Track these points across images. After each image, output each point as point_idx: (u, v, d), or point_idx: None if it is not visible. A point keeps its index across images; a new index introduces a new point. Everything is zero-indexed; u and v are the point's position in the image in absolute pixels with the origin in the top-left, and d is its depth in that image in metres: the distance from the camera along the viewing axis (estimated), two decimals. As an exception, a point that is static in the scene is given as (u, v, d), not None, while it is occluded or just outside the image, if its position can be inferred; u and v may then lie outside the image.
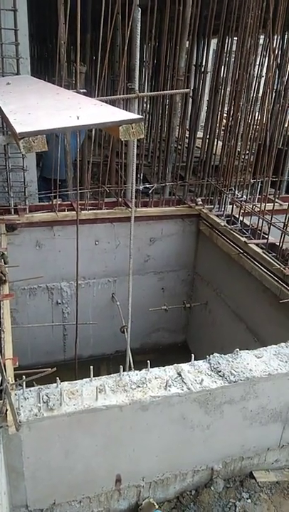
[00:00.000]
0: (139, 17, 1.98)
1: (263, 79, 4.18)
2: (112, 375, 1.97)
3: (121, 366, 1.98)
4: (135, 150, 2.13)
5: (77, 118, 1.20)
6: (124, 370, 1.99)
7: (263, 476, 2.22)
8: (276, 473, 2.27)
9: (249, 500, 2.09)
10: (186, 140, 5.25)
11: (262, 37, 4.48)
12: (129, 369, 2.78)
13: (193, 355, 2.11)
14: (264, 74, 3.98)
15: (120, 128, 1.16)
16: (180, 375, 1.99)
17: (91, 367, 1.95)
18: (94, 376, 1.93)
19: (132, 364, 2.89)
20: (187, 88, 4.02)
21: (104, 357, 4.24)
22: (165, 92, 3.60)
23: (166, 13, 3.71)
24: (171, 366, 2.06)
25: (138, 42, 2.01)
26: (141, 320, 4.18)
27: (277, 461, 2.29)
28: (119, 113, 1.27)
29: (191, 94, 5.32)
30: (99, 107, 1.41)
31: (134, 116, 1.17)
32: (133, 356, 3.03)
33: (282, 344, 2.22)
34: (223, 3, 3.90)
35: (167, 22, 3.79)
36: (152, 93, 3.55)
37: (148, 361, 2.03)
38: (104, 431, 1.86)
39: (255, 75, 3.79)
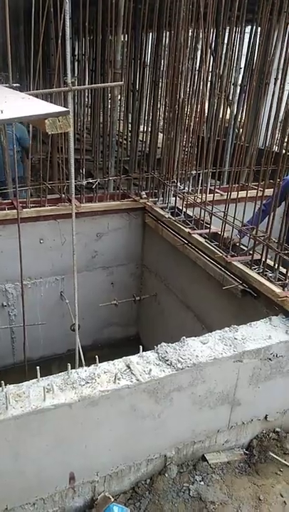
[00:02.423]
0: (67, 9, 1.94)
1: (202, 72, 4.26)
2: (59, 374, 1.95)
3: (69, 364, 1.96)
4: (72, 144, 2.09)
5: (1, 112, 1.16)
6: (73, 368, 1.98)
7: (214, 458, 2.30)
8: (227, 453, 2.36)
9: (202, 483, 2.15)
10: (130, 134, 5.26)
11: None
12: (81, 366, 2.76)
13: (141, 346, 2.13)
14: (200, 67, 4.05)
15: (46, 121, 1.14)
16: (129, 367, 2.01)
17: (37, 367, 1.92)
18: (46, 377, 1.91)
19: (83, 361, 2.87)
20: (124, 81, 4.01)
21: (56, 357, 4.17)
22: (98, 85, 3.59)
23: (99, 6, 3.67)
24: (120, 359, 2.07)
25: (68, 35, 1.97)
26: (92, 316, 4.16)
27: (228, 442, 2.37)
28: (45, 106, 1.24)
29: (131, 88, 5.33)
30: (26, 100, 1.38)
31: (61, 108, 1.15)
32: (85, 353, 3.00)
33: (226, 329, 2.29)
34: (156, -4, 3.93)
35: (101, 15, 3.76)
36: (86, 86, 3.51)
37: (96, 357, 2.03)
38: (54, 430, 1.83)
39: (191, 68, 3.85)
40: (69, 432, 1.87)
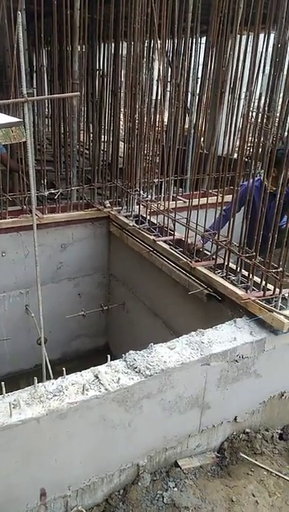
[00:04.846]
0: (20, 21, 1.94)
1: (159, 82, 4.33)
2: (26, 388, 1.91)
3: (35, 378, 1.93)
4: (31, 154, 2.07)
5: None
6: (39, 382, 1.94)
7: (187, 463, 2.30)
8: (199, 457, 2.37)
9: (175, 489, 2.15)
10: (92, 143, 5.25)
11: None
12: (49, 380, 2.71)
13: (109, 355, 2.12)
14: (158, 77, 4.12)
15: None
16: (97, 377, 1.99)
17: (2, 383, 1.87)
18: (11, 392, 1.86)
19: (51, 375, 2.82)
20: (83, 91, 4.02)
21: (24, 372, 4.07)
22: (55, 95, 3.58)
23: (54, 18, 3.67)
24: (88, 370, 2.05)
25: (22, 46, 1.97)
26: (59, 329, 4.09)
27: (199, 446, 2.39)
28: (-1, 117, 1.23)
29: (91, 98, 5.34)
30: (-21, 111, 1.36)
31: (14, 119, 1.15)
32: (54, 367, 2.95)
33: (193, 333, 2.32)
34: (110, 8, 3.97)
35: (56, 26, 3.76)
36: (42, 97, 3.49)
37: (63, 369, 2.00)
38: (22, 446, 1.79)
39: (148, 78, 3.91)
40: (38, 446, 1.83)
